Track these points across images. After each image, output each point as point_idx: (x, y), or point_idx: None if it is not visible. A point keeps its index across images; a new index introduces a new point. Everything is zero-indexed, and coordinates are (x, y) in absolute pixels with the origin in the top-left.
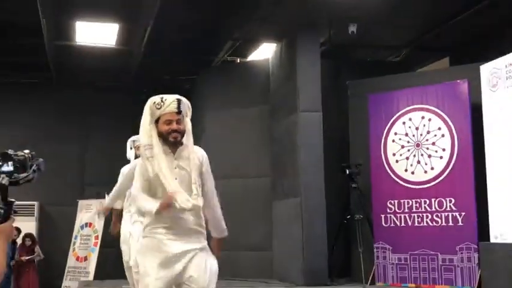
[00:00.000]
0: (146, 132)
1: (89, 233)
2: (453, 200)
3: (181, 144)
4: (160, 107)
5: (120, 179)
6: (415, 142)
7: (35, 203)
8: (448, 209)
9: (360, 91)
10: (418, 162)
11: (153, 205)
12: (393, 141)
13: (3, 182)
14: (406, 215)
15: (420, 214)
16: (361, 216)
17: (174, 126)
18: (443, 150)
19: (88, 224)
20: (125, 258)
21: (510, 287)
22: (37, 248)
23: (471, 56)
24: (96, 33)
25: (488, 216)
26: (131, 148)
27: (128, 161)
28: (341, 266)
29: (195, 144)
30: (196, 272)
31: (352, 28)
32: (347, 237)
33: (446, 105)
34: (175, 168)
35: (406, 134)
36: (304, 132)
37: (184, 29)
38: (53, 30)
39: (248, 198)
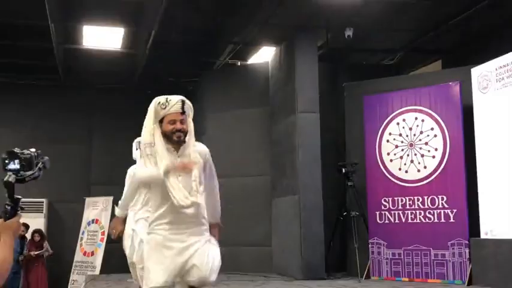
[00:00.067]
0: (149, 131)
1: (96, 229)
2: (445, 198)
3: (184, 142)
4: (165, 107)
5: (127, 180)
6: (408, 142)
7: (44, 200)
8: (440, 206)
9: (356, 93)
10: (412, 161)
11: (158, 171)
12: (387, 141)
13: (10, 179)
14: (400, 212)
15: (413, 211)
16: (357, 213)
17: (178, 125)
18: (436, 149)
19: (95, 221)
20: (127, 253)
21: (500, 281)
22: (45, 244)
23: (463, 59)
24: (102, 37)
25: (478, 213)
26: (137, 149)
27: (134, 162)
28: (337, 261)
29: None
30: (198, 261)
31: (349, 32)
32: (343, 233)
33: (438, 107)
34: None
35: (400, 134)
36: (303, 133)
37: (187, 33)
38: (61, 34)
39: (249, 196)
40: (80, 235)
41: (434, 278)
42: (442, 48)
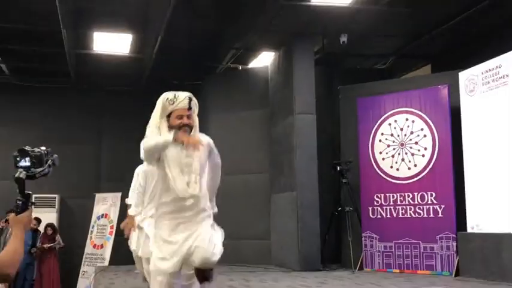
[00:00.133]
0: (155, 124)
1: (105, 223)
2: (434, 194)
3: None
4: (173, 102)
5: (135, 179)
6: (399, 141)
7: (56, 195)
8: (429, 202)
9: (350, 95)
10: (403, 159)
11: (167, 136)
12: (380, 140)
13: (21, 176)
14: (391, 208)
15: (404, 206)
16: (351, 209)
17: (185, 120)
18: (425, 149)
19: (104, 215)
20: (132, 247)
21: (485, 272)
22: (58, 237)
23: (451, 63)
24: (111, 43)
25: (465, 208)
26: None
27: (142, 161)
28: (332, 253)
29: None
30: (201, 243)
31: (343, 38)
32: (338, 228)
33: (428, 109)
34: (186, 157)
35: (392, 134)
36: (300, 133)
37: (191, 38)
38: (73, 40)
39: (249, 192)
40: (90, 229)
41: (423, 270)
42: (431, 54)
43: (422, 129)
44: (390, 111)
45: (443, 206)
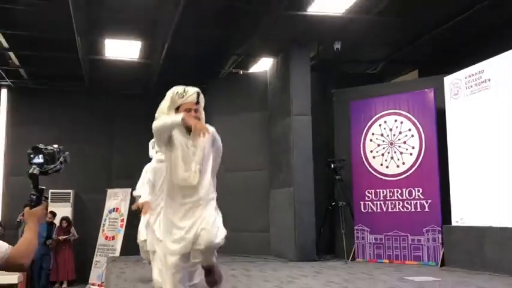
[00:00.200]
0: (163, 113)
1: (116, 217)
2: (421, 190)
3: None
4: (183, 96)
5: (143, 175)
6: (389, 141)
7: (71, 191)
8: (417, 197)
9: (343, 98)
10: (392, 158)
11: (177, 116)
12: (371, 140)
13: (35, 171)
14: (381, 202)
15: (393, 201)
16: (344, 203)
17: (193, 113)
18: (413, 148)
19: (115, 209)
20: (141, 239)
21: (468, 263)
22: (72, 229)
23: (436, 69)
24: (122, 49)
25: (450, 203)
26: (153, 148)
27: (150, 159)
28: (327, 245)
29: None
30: (206, 225)
31: (337, 45)
32: (332, 221)
33: (415, 111)
34: (191, 146)
35: (382, 135)
36: (297, 133)
37: (196, 45)
38: (86, 47)
39: (250, 188)
40: (102, 222)
41: (411, 260)
42: (418, 60)
43: (410, 130)
44: (380, 113)
45: (429, 201)
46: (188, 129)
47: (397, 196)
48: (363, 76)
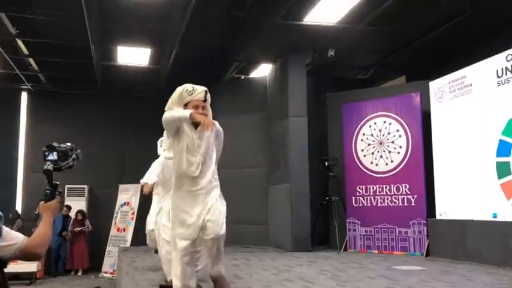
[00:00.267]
0: (170, 108)
1: (127, 210)
2: (407, 186)
3: None
4: (192, 94)
5: (152, 168)
6: (378, 141)
7: (85, 186)
8: (404, 192)
9: (336, 101)
10: (381, 156)
11: (186, 111)
12: (362, 140)
13: (49, 168)
14: (371, 197)
15: (382, 196)
16: (337, 198)
17: (200, 110)
18: (400, 147)
19: (126, 203)
20: (149, 228)
21: (451, 253)
22: (87, 222)
23: (422, 74)
24: (133, 56)
25: (434, 198)
26: (161, 146)
27: (158, 156)
28: (321, 236)
29: None
30: (212, 216)
31: (331, 52)
32: (326, 214)
33: (403, 113)
34: (197, 139)
35: (372, 135)
36: (293, 133)
37: (201, 52)
38: (100, 53)
39: (250, 184)
40: (114, 215)
41: (398, 251)
42: (406, 66)
43: (398, 131)
44: (370, 115)
45: (415, 196)
46: (195, 124)
47: (386, 192)
48: (354, 81)
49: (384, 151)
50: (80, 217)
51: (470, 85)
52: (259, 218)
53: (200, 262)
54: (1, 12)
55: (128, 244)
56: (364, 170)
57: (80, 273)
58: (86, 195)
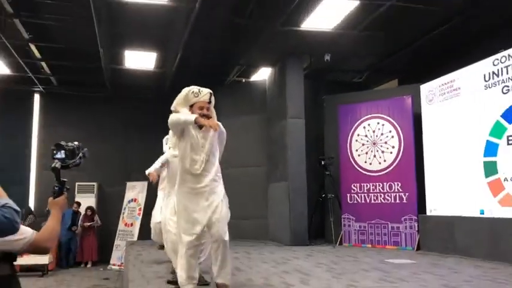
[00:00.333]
0: (175, 108)
1: (134, 206)
2: (399, 184)
3: None
4: (197, 95)
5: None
6: (372, 141)
7: (94, 183)
8: (396, 190)
9: (333, 103)
10: (374, 156)
11: (191, 116)
12: (356, 140)
13: (57, 166)
14: (365, 195)
15: (375, 194)
16: (333, 195)
17: (205, 111)
18: (393, 147)
19: (133, 200)
20: (155, 220)
21: (440, 247)
22: (96, 217)
23: (414, 78)
24: (139, 60)
25: (425, 195)
26: (166, 144)
27: (163, 153)
28: (317, 231)
29: None
30: (219, 216)
31: (327, 57)
32: (322, 211)
33: (395, 114)
34: (201, 139)
35: (366, 135)
36: (292, 134)
37: (204, 57)
38: (108, 57)
39: (251, 181)
40: (122, 210)
41: (391, 245)
42: (398, 70)
43: (390, 131)
44: (365, 117)
45: (407, 194)
46: (200, 126)
47: (379, 189)
48: (349, 84)
49: (377, 151)
50: (89, 213)
51: (459, 88)
52: (259, 213)
53: (203, 254)
54: (15, 18)
55: (135, 238)
56: (359, 168)
57: (89, 266)
58: (95, 192)
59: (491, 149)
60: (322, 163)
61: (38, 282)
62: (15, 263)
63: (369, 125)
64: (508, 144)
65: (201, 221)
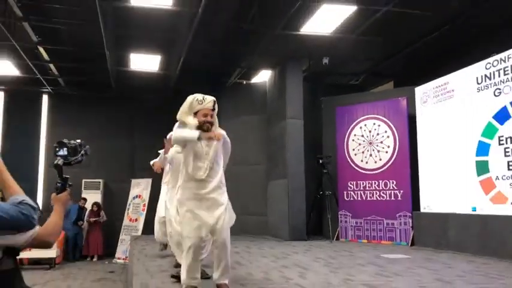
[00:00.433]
0: (181, 118)
1: (139, 202)
2: (394, 182)
3: (210, 130)
4: (202, 103)
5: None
6: (368, 141)
7: (101, 180)
8: (391, 188)
9: (330, 105)
10: (370, 155)
11: (195, 133)
12: (353, 140)
13: (59, 163)
14: (361, 192)
15: (371, 191)
16: (330, 193)
17: (209, 118)
18: (388, 147)
19: (138, 196)
20: (160, 215)
21: (434, 243)
22: (102, 213)
23: (409, 80)
24: (144, 62)
25: (419, 193)
26: None
27: None
28: (315, 227)
29: None
30: (221, 226)
31: (325, 60)
32: (320, 207)
33: (391, 115)
34: (205, 146)
35: (362, 135)
36: (291, 134)
37: (206, 59)
38: (114, 60)
39: (251, 179)
40: (127, 206)
41: (386, 240)
42: (394, 73)
43: (386, 132)
44: (361, 117)
45: (401, 191)
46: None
47: (375, 187)
48: (347, 86)
49: (373, 150)
50: (95, 208)
51: (453, 91)
52: (259, 210)
53: (205, 250)
54: (24, 22)
55: (139, 233)
56: (355, 167)
57: (95, 259)
58: (101, 189)
59: (483, 149)
60: (320, 162)
61: (45, 275)
62: (21, 256)
63: (365, 125)
64: (500, 144)
65: (204, 225)
